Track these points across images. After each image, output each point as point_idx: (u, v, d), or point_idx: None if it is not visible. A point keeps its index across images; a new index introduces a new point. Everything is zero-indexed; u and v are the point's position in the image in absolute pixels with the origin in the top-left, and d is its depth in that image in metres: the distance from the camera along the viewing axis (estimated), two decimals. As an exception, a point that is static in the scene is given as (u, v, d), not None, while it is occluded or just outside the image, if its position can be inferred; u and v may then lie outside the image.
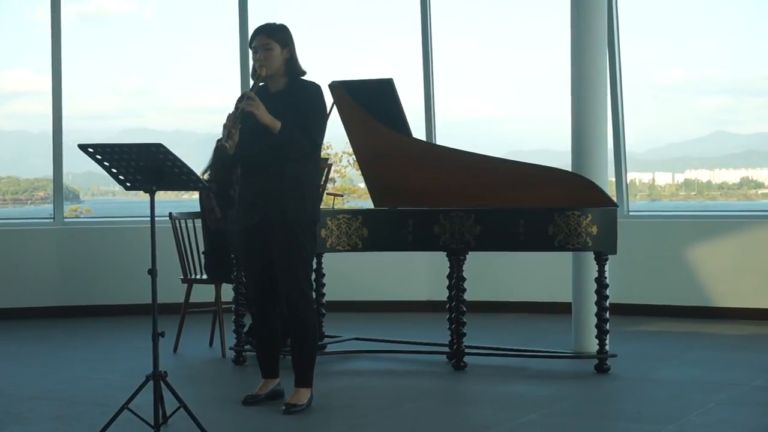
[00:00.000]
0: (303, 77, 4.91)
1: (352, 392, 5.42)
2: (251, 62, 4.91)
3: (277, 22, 4.92)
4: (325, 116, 4.95)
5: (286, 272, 4.82)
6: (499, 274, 8.15)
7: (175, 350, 6.61)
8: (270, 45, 4.81)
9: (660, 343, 6.85)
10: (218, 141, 6.41)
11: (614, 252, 5.78)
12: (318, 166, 5.02)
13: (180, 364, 6.33)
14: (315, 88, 4.89)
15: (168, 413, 4.40)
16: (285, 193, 4.79)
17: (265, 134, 4.72)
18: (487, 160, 6.02)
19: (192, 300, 6.73)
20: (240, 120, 4.69)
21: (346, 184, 10.07)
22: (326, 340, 6.54)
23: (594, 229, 5.68)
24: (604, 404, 5.27)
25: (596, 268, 5.78)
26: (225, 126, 4.70)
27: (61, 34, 8.57)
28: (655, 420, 4.64)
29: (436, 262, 6.79)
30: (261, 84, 4.88)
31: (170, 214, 6.72)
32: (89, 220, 9.31)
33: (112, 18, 10.27)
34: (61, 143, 8.60)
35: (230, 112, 4.72)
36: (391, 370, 6.15)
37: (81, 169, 9.75)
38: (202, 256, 6.78)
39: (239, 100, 4.73)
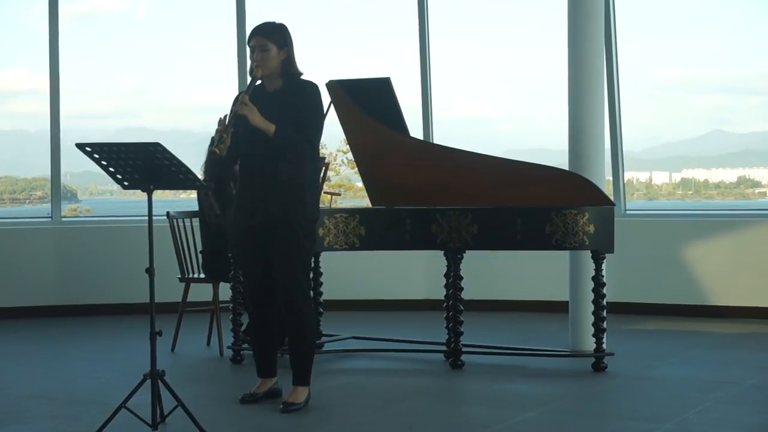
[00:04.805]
0: (300, 77, 4.91)
1: (350, 391, 5.43)
2: (249, 61, 4.91)
3: (276, 22, 4.91)
4: (322, 116, 4.94)
5: (284, 271, 4.82)
6: (496, 272, 8.15)
7: (172, 349, 6.61)
8: (267, 46, 4.80)
9: (657, 342, 6.86)
10: (210, 144, 6.44)
11: (611, 251, 5.79)
12: (316, 166, 5.01)
13: (178, 363, 6.34)
14: (312, 88, 4.88)
15: (166, 412, 4.40)
16: (284, 192, 4.78)
17: (263, 134, 4.72)
18: (484, 159, 6.02)
19: (190, 299, 6.74)
20: (233, 124, 4.68)
21: (342, 181, 10.06)
22: (324, 338, 6.55)
23: (591, 228, 5.69)
24: (601, 403, 5.27)
25: (593, 266, 5.79)
26: (218, 130, 4.69)
27: (58, 33, 8.56)
28: (652, 418, 4.64)
29: (434, 260, 6.79)
30: (257, 84, 4.87)
31: (168, 213, 6.72)
32: (86, 219, 9.29)
33: (107, 17, 10.27)
34: (59, 142, 8.59)
35: (225, 115, 4.72)
36: (388, 368, 6.15)
37: (79, 169, 9.74)
38: (199, 255, 6.78)
39: (234, 103, 4.72)
